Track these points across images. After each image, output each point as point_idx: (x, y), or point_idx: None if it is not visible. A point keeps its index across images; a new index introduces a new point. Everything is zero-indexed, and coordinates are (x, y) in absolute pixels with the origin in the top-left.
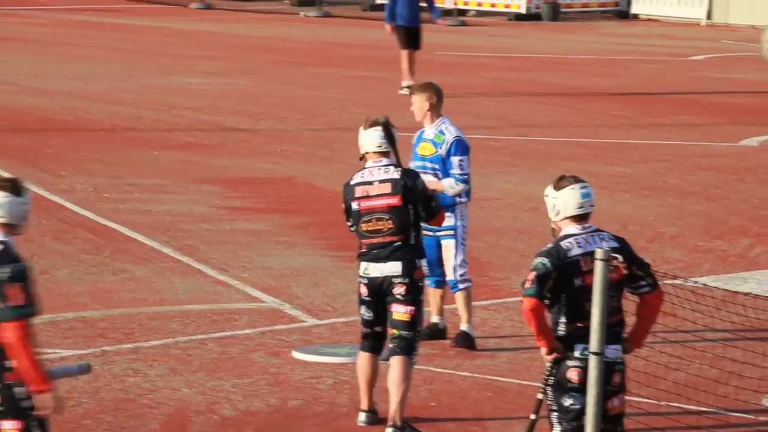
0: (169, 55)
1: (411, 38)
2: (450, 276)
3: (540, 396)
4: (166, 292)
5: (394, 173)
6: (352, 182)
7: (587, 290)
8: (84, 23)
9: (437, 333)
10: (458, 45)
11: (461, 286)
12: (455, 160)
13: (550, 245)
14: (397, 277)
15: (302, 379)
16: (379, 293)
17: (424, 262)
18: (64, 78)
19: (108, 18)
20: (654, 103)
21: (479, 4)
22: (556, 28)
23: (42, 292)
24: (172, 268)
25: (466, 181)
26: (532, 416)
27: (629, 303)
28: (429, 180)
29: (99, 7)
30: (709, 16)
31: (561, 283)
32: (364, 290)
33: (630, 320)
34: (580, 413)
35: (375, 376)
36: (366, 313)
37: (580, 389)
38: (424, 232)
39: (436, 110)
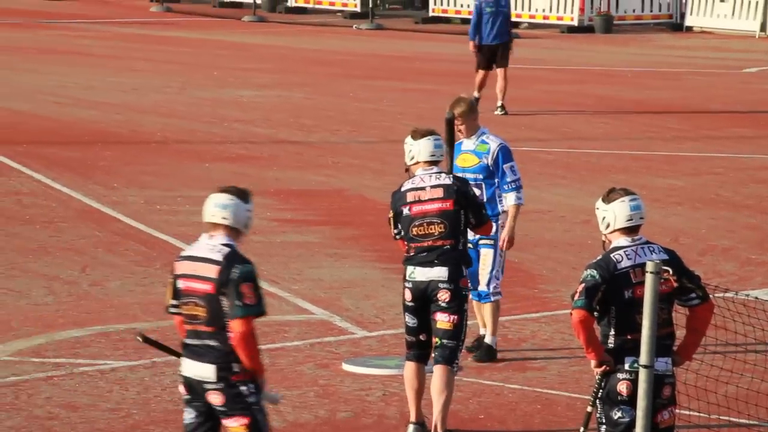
0: (222, 67)
1: (496, 56)
2: (483, 286)
3: (589, 409)
4: None
5: (446, 179)
6: (403, 189)
7: (637, 302)
8: (137, 36)
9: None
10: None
11: (492, 298)
12: (506, 167)
13: (599, 257)
14: (442, 282)
15: (351, 391)
16: (423, 298)
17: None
18: (116, 90)
19: (161, 31)
20: (707, 116)
21: (532, 17)
22: (609, 40)
23: (94, 303)
24: None
25: (521, 185)
26: (581, 429)
27: (680, 316)
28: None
29: (152, 21)
30: (763, 29)
31: (610, 295)
32: (408, 295)
33: (680, 333)
34: (630, 426)
35: (422, 387)
36: (410, 320)
37: (630, 402)
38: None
39: (471, 123)
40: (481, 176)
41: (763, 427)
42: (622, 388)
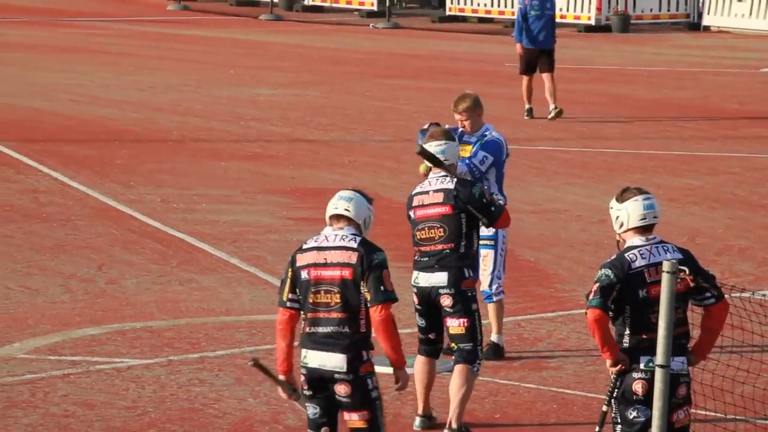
0: (238, 66)
1: (541, 60)
2: (485, 287)
3: (605, 408)
4: (232, 302)
5: (449, 183)
6: (413, 192)
7: (652, 302)
8: (154, 34)
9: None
10: None
11: (495, 298)
12: (480, 153)
13: (613, 257)
14: (443, 287)
15: None
16: (428, 303)
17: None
18: (133, 89)
19: (177, 29)
20: (724, 115)
21: None
22: (626, 39)
23: (110, 301)
24: (239, 279)
25: (474, 175)
26: (597, 429)
27: (695, 316)
28: None
29: (169, 19)
30: None
31: (625, 294)
32: (415, 299)
33: (696, 333)
34: (645, 426)
35: (431, 381)
36: (420, 321)
37: (645, 402)
38: None
39: (476, 120)
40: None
41: None
42: (638, 387)
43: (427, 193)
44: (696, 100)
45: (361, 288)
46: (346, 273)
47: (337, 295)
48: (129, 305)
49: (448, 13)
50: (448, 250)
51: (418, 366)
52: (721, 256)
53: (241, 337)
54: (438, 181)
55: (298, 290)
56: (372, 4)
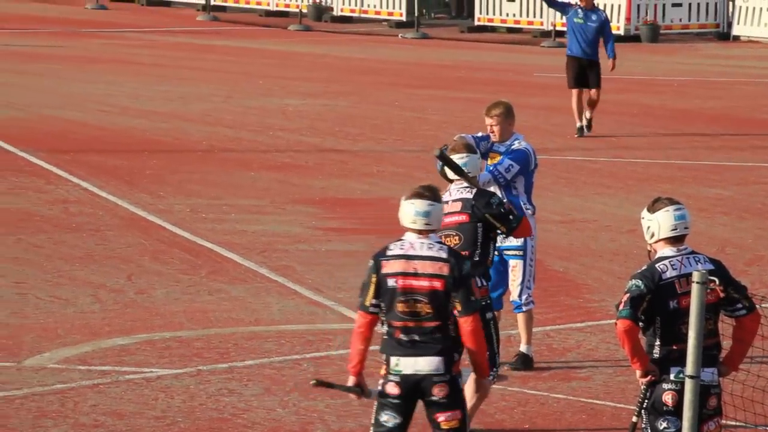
0: (268, 76)
1: (584, 74)
2: (514, 297)
3: (635, 419)
4: (261, 312)
5: (468, 193)
6: None
7: (682, 312)
8: (184, 45)
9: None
10: (556, 66)
11: (525, 308)
12: (506, 161)
13: (644, 267)
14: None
15: None
16: None
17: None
18: (163, 99)
19: (207, 40)
20: (754, 125)
21: None
22: (656, 49)
23: (139, 311)
24: (268, 289)
25: (498, 181)
26: None
27: (727, 327)
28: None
29: (199, 30)
30: None
31: (655, 305)
32: None
33: (727, 343)
34: None
35: None
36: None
37: (676, 413)
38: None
39: (506, 128)
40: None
41: None
42: (668, 398)
43: (446, 202)
44: (725, 110)
45: (452, 298)
46: (437, 284)
47: (428, 305)
48: (158, 315)
49: (476, 23)
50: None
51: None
52: (751, 267)
53: (269, 347)
54: (458, 191)
55: (382, 296)
56: (401, 15)
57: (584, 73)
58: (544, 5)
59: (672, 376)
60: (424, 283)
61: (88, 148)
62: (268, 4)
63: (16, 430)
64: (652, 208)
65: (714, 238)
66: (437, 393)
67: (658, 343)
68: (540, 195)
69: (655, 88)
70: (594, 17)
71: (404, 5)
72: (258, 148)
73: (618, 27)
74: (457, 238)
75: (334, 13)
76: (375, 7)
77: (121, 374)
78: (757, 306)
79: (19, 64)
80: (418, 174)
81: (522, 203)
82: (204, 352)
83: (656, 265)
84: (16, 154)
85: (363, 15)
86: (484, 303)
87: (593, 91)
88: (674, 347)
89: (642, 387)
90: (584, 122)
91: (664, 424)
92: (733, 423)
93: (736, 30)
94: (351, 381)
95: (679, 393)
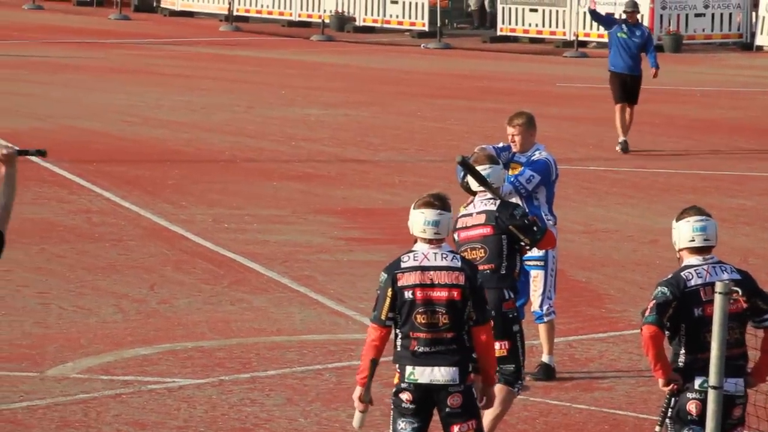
0: (290, 86)
1: (627, 89)
2: (535, 307)
3: (658, 429)
4: (283, 322)
5: (492, 205)
6: (458, 215)
7: (707, 321)
8: (206, 55)
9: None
10: (579, 77)
11: (546, 318)
12: (527, 172)
13: (670, 275)
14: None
15: None
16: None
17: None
18: (185, 109)
19: (229, 50)
20: None
21: (600, 36)
22: (679, 60)
23: (161, 321)
24: (290, 299)
25: (519, 192)
26: None
27: (756, 339)
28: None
29: (221, 40)
30: None
31: (681, 312)
32: None
33: (755, 354)
34: None
35: None
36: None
37: (700, 422)
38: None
39: (528, 138)
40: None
41: None
42: (692, 407)
43: (470, 215)
44: (748, 120)
45: (467, 307)
46: (455, 294)
47: (446, 316)
48: (180, 325)
49: (499, 33)
50: (488, 271)
51: None
52: None
53: (291, 357)
54: (482, 203)
55: (398, 309)
56: (423, 25)
57: (626, 87)
58: (567, 15)
59: (696, 385)
60: (442, 294)
61: (111, 158)
62: (291, 15)
63: None
64: (678, 217)
65: (737, 249)
66: (452, 403)
67: (683, 351)
68: (562, 205)
69: (677, 98)
70: (638, 33)
71: (427, 16)
72: (280, 158)
73: None
74: (482, 251)
75: (357, 23)
76: (398, 17)
77: (143, 384)
78: None
79: (43, 74)
80: (440, 184)
81: (543, 214)
82: (226, 362)
83: (681, 273)
84: (39, 165)
85: (385, 25)
86: (511, 316)
87: (627, 107)
88: (699, 356)
89: (666, 396)
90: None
91: None
92: None
93: (759, 40)
94: (358, 392)
95: (704, 402)
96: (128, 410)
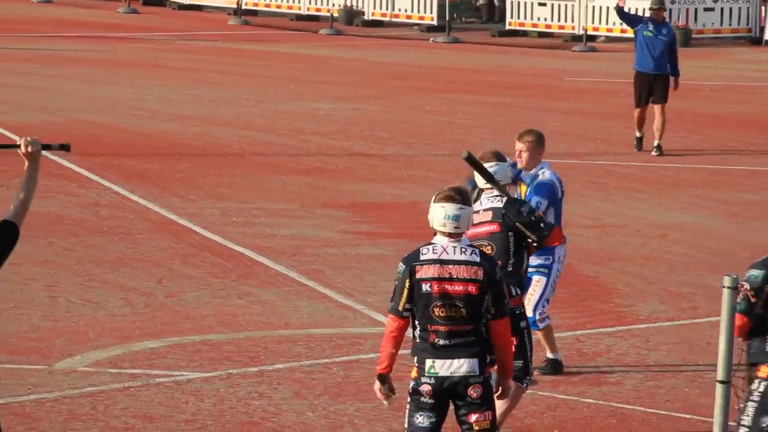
0: (298, 80)
1: (654, 88)
2: (529, 312)
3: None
4: (291, 315)
5: (498, 202)
6: None
7: None
8: (215, 49)
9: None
10: (587, 71)
11: (540, 325)
12: (534, 199)
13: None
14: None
15: None
16: None
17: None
18: (193, 103)
19: (238, 44)
20: None
21: (609, 30)
22: (688, 54)
23: (169, 315)
24: (298, 292)
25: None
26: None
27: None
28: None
29: (230, 34)
30: None
31: None
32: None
33: None
34: None
35: None
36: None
37: None
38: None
39: (535, 156)
40: None
41: None
42: None
43: (477, 212)
44: (757, 115)
45: (485, 301)
46: (472, 288)
47: (463, 309)
48: (188, 318)
49: (507, 27)
50: None
51: None
52: None
53: (299, 350)
54: (488, 201)
55: (415, 301)
56: (432, 19)
57: (650, 88)
58: (576, 10)
59: None
60: (459, 288)
61: (119, 151)
62: (300, 8)
63: None
64: None
65: (746, 243)
66: (472, 394)
67: None
68: (570, 200)
69: (686, 93)
70: (664, 31)
71: (435, 10)
72: (288, 152)
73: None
74: (489, 248)
75: (366, 17)
76: (406, 11)
77: (151, 377)
78: None
79: (52, 67)
80: (449, 178)
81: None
82: (234, 355)
83: None
84: (48, 158)
85: (394, 19)
86: (518, 312)
87: (657, 107)
88: None
89: (758, 381)
90: (655, 143)
91: None
92: None
93: None
94: (378, 384)
95: None
96: (136, 403)
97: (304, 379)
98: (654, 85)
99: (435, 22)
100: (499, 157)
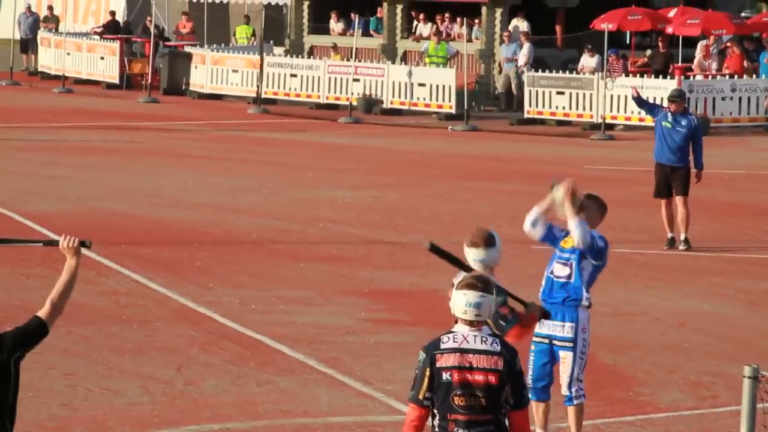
0: (317, 168)
1: (671, 181)
2: (564, 390)
3: None
4: (310, 403)
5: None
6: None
7: None
8: (234, 137)
9: None
10: (606, 159)
11: (576, 401)
12: (595, 233)
13: None
14: None
15: None
16: None
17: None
18: (212, 191)
19: (257, 132)
20: None
21: (627, 119)
22: (706, 142)
23: (188, 403)
24: (317, 380)
25: (592, 242)
26: None
27: None
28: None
29: (249, 122)
30: None
31: None
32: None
33: None
34: None
35: None
36: None
37: None
38: (537, 339)
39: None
40: (574, 260)
41: None
42: None
43: None
44: None
45: (505, 391)
46: (492, 378)
47: (482, 399)
48: (207, 407)
49: (526, 115)
50: None
51: None
52: None
53: None
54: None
55: (435, 390)
56: (450, 107)
57: (668, 179)
58: (594, 98)
59: None
60: (479, 378)
61: (139, 240)
62: (319, 97)
63: None
64: None
65: (765, 332)
66: None
67: None
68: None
69: (705, 181)
70: (684, 122)
71: (454, 98)
72: (306, 240)
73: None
74: None
75: (384, 105)
76: (425, 99)
77: None
78: None
79: (72, 157)
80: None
81: (584, 291)
82: None
83: None
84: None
85: (413, 107)
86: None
87: (678, 199)
88: None
89: None
90: (682, 237)
91: None
92: None
93: None
94: None
95: None
96: None
97: None
98: (672, 177)
99: (453, 111)
100: (487, 243)
